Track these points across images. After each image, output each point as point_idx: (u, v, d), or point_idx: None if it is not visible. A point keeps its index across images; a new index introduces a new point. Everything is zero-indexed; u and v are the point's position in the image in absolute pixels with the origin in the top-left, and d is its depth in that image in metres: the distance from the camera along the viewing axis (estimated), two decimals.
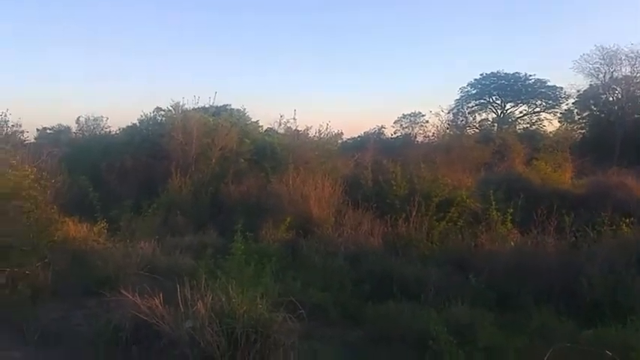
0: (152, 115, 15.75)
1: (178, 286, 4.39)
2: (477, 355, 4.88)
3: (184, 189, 12.27)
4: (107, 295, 5.21)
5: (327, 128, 15.23)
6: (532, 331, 5.34)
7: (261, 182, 12.71)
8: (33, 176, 8.32)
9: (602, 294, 6.51)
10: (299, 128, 15.53)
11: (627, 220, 8.62)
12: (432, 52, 59.41)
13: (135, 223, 9.64)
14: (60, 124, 22.12)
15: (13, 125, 16.92)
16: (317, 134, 15.23)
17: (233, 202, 12.04)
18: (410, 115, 38.90)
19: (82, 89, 46.30)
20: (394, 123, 38.86)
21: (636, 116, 31.34)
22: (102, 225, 8.56)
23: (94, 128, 20.46)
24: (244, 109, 18.31)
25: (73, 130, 21.25)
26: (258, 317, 4.14)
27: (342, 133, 16.45)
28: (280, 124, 15.91)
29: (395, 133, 35.69)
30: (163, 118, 15.18)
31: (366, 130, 33.60)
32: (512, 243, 9.05)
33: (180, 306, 4.26)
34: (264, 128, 17.94)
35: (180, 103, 14.69)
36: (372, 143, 20.63)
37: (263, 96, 48.79)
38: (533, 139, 24.76)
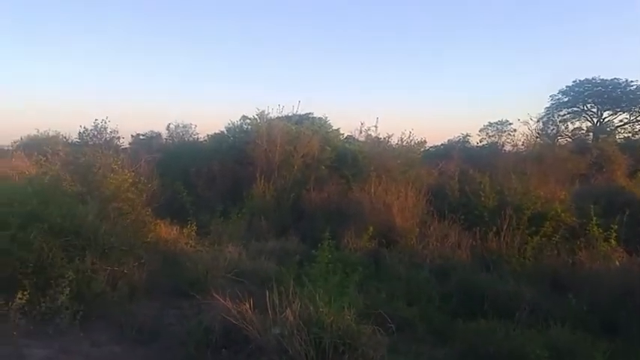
0: (239, 123, 16.33)
1: (267, 291, 4.40)
2: None
3: (268, 194, 12.55)
4: (197, 297, 5.37)
5: (409, 136, 14.91)
6: None
7: (342, 189, 12.69)
8: (131, 180, 8.90)
9: None
10: (380, 136, 15.34)
11: None
12: (520, 58, 56.57)
13: (222, 227, 9.97)
14: (152, 131, 23.53)
15: (111, 131, 18.38)
16: (399, 142, 14.95)
17: (314, 208, 12.10)
18: (496, 123, 37.15)
19: (169, 97, 49.33)
20: (479, 131, 37.29)
21: None
22: (192, 228, 8.91)
23: (183, 135, 21.56)
24: (326, 117, 18.43)
25: (164, 136, 22.49)
26: (346, 328, 4.03)
27: (425, 140, 15.97)
28: (361, 132, 15.79)
29: (481, 142, 34.18)
30: (249, 126, 15.67)
31: (450, 137, 32.56)
32: (617, 262, 8.26)
33: (269, 312, 4.26)
34: (345, 136, 17.94)
35: (265, 112, 15.13)
36: (457, 152, 19.86)
37: (345, 103, 49.01)
38: (636, 149, 22.61)
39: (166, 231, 8.96)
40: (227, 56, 56.57)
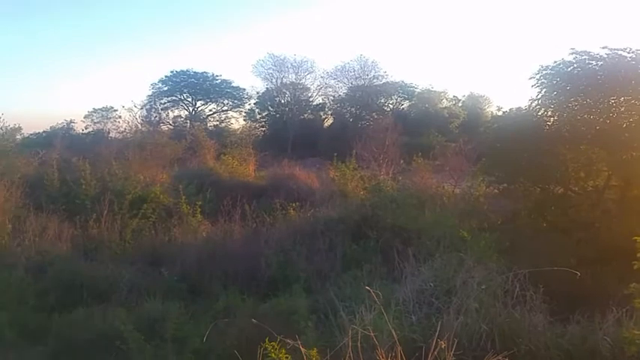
0: None
1: None
2: (165, 346, 5.15)
3: None
4: None
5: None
6: (217, 313, 5.95)
7: None
8: None
9: (275, 271, 7.72)
10: None
11: (294, 205, 10.40)
12: (122, 47, 56.22)
13: None
14: None
15: None
16: None
17: None
18: (101, 109, 36.46)
19: None
20: (84, 117, 35.78)
21: (302, 117, 37.51)
22: None
23: None
24: None
25: None
26: None
27: (20, 127, 14.22)
28: None
29: (86, 129, 33.27)
30: None
31: (53, 124, 30.21)
32: (203, 234, 9.71)
33: None
34: None
35: None
36: (60, 139, 18.63)
37: None
38: (221, 135, 26.54)
39: None
40: None
